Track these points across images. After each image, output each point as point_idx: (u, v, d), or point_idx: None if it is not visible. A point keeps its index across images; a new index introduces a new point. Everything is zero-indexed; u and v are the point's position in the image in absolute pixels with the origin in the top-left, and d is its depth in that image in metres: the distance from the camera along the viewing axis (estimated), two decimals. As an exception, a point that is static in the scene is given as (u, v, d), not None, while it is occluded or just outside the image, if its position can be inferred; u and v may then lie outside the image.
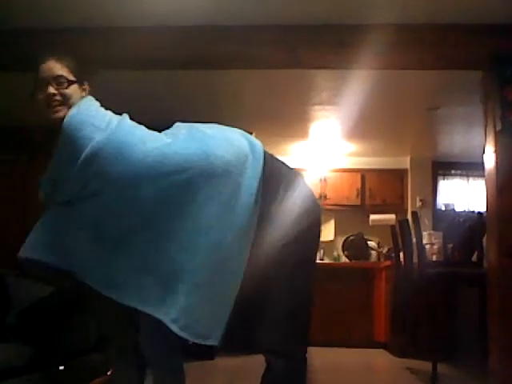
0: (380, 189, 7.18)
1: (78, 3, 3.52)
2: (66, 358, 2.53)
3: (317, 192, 7.14)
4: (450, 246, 5.08)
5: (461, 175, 7.32)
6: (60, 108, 1.85)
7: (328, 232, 7.28)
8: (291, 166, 2.02)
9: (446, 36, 3.70)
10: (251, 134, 6.77)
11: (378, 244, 7.17)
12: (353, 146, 6.84)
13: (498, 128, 3.62)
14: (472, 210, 6.80)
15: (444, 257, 5.05)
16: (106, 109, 1.94)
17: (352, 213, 7.23)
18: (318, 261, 7.09)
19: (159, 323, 1.66)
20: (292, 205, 1.87)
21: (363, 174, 7.23)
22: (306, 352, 1.99)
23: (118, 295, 1.68)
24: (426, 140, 6.56)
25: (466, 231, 4.76)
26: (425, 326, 4.47)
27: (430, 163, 7.17)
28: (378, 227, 6.91)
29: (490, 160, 3.71)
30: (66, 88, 1.87)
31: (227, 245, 1.74)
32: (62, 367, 2.46)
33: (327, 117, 5.73)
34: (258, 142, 1.94)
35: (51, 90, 1.85)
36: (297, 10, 3.58)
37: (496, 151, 3.63)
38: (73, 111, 1.82)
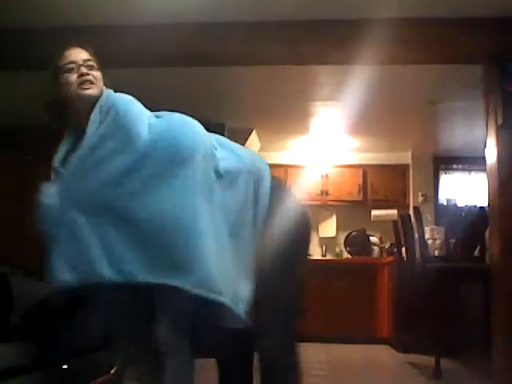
0: (382, 184, 7.17)
1: (80, 1, 3.52)
2: (69, 356, 2.53)
3: (318, 188, 7.14)
4: (453, 241, 5.07)
5: (462, 170, 7.31)
6: (92, 86, 1.92)
7: (330, 228, 7.28)
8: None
9: (447, 30, 3.69)
10: (252, 130, 6.74)
11: (380, 239, 7.17)
12: (354, 142, 6.83)
13: (500, 122, 3.62)
14: (474, 204, 6.80)
15: (446, 252, 5.04)
16: None
17: (354, 208, 7.22)
18: (319, 257, 7.11)
19: (179, 309, 1.75)
20: (282, 219, 1.97)
21: (365, 169, 7.22)
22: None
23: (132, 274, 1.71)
24: (427, 135, 6.56)
25: (468, 226, 4.75)
26: (427, 321, 4.47)
27: (432, 158, 7.16)
28: (380, 223, 6.91)
29: (491, 154, 3.71)
30: (96, 71, 1.95)
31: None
32: (65, 366, 2.46)
33: (328, 112, 5.73)
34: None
35: (84, 69, 1.92)
36: (298, 5, 3.57)
37: (497, 145, 3.63)
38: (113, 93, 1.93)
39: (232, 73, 4.54)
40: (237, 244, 1.83)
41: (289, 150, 7.13)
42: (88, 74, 1.92)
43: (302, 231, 2.07)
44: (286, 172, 6.98)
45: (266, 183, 1.96)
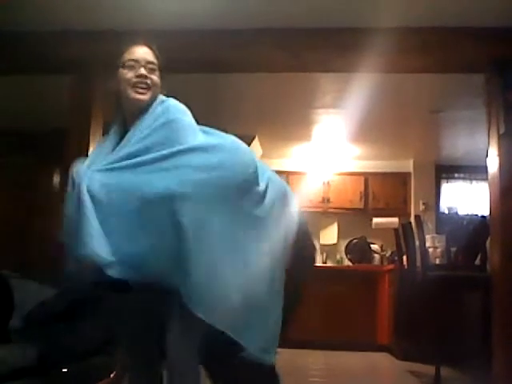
0: (383, 192, 7.18)
1: (86, 6, 3.55)
2: (69, 360, 2.53)
3: (320, 195, 7.15)
4: (454, 249, 5.06)
5: (464, 178, 7.32)
6: (146, 91, 1.89)
7: (331, 235, 7.28)
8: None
9: (449, 39, 3.71)
10: (254, 137, 6.74)
11: (381, 247, 7.17)
12: (356, 150, 6.84)
13: (502, 131, 3.62)
14: (475, 213, 6.79)
15: (447, 260, 5.03)
16: None
17: (355, 216, 7.22)
18: (320, 264, 7.10)
19: (189, 322, 1.69)
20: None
21: (366, 177, 7.22)
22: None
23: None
24: (429, 143, 6.56)
25: (470, 234, 4.75)
26: (428, 329, 4.46)
27: (434, 166, 7.17)
28: (381, 230, 6.90)
29: (493, 163, 3.71)
30: (156, 75, 1.93)
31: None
32: (65, 370, 2.46)
33: (330, 120, 5.74)
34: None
35: (143, 71, 1.89)
36: (301, 13, 3.58)
37: (499, 154, 3.64)
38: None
39: (234, 79, 4.55)
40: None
41: (291, 157, 7.14)
42: (146, 77, 1.89)
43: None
44: (287, 179, 6.99)
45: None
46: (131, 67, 1.90)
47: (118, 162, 1.78)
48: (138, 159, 1.75)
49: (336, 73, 4.20)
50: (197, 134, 1.83)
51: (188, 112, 1.91)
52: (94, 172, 1.77)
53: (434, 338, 4.31)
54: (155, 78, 1.93)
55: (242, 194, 1.77)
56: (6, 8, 3.56)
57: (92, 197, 1.71)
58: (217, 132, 1.90)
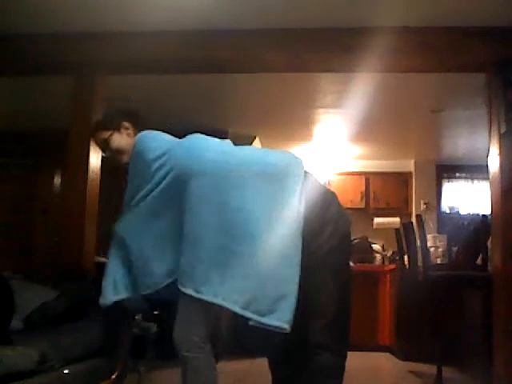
0: (384, 192, 7.17)
1: (87, 8, 3.54)
2: (70, 361, 2.53)
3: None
4: (455, 249, 5.06)
5: (465, 178, 7.31)
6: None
7: (332, 235, 7.26)
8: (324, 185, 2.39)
9: (449, 39, 3.70)
10: (255, 137, 6.74)
11: (383, 247, 7.16)
12: (357, 149, 6.84)
13: (503, 130, 3.61)
14: (476, 212, 6.78)
15: (448, 260, 5.03)
16: None
17: (356, 216, 7.19)
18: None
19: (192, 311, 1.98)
20: (328, 219, 2.15)
21: (367, 177, 7.22)
22: (346, 351, 2.21)
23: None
24: (430, 143, 6.56)
25: (471, 234, 4.74)
26: (429, 329, 4.46)
27: (435, 166, 7.17)
28: (383, 230, 6.90)
29: (494, 163, 3.70)
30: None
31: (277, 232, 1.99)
32: (66, 371, 2.46)
33: (331, 120, 5.74)
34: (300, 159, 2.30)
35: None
36: (301, 13, 3.58)
37: (500, 154, 3.63)
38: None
39: (235, 80, 4.55)
40: None
41: (291, 157, 7.13)
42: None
43: (343, 232, 2.27)
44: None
45: None
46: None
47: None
48: None
49: (337, 73, 4.20)
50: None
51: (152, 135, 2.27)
52: None
53: (436, 337, 4.30)
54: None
55: None
56: (5, 10, 3.56)
57: None
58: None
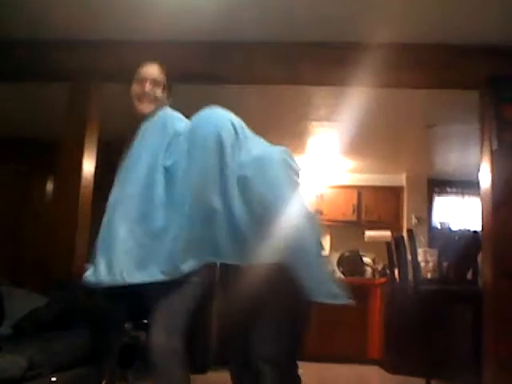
0: (376, 205, 7.20)
1: (84, 16, 3.56)
2: (58, 369, 2.52)
3: (313, 208, 7.14)
4: (445, 263, 5.07)
5: (456, 193, 7.34)
6: (148, 105, 2.18)
7: (323, 248, 7.26)
8: None
9: (443, 56, 3.75)
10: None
11: (374, 260, 7.17)
12: (350, 163, 6.86)
13: (494, 147, 3.64)
14: (467, 228, 6.81)
15: (439, 274, 5.04)
16: None
17: (348, 229, 7.23)
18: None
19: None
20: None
21: (359, 190, 7.24)
22: (296, 367, 2.20)
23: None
24: (422, 157, 6.59)
25: (461, 249, 4.76)
26: (419, 342, 4.46)
27: (426, 181, 7.19)
28: (374, 244, 6.91)
29: (485, 178, 3.73)
30: (159, 90, 2.22)
31: None
32: (54, 378, 2.45)
33: (325, 133, 5.76)
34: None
35: (148, 86, 2.19)
36: (297, 27, 3.61)
37: (492, 170, 3.66)
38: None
39: (229, 91, 4.56)
40: None
41: (284, 169, 7.14)
42: (149, 94, 2.17)
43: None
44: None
45: None
46: (139, 82, 2.20)
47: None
48: None
49: (331, 86, 4.22)
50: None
51: (181, 117, 2.20)
52: None
53: (425, 351, 4.30)
54: (158, 90, 2.21)
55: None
56: (1, 17, 3.57)
57: None
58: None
